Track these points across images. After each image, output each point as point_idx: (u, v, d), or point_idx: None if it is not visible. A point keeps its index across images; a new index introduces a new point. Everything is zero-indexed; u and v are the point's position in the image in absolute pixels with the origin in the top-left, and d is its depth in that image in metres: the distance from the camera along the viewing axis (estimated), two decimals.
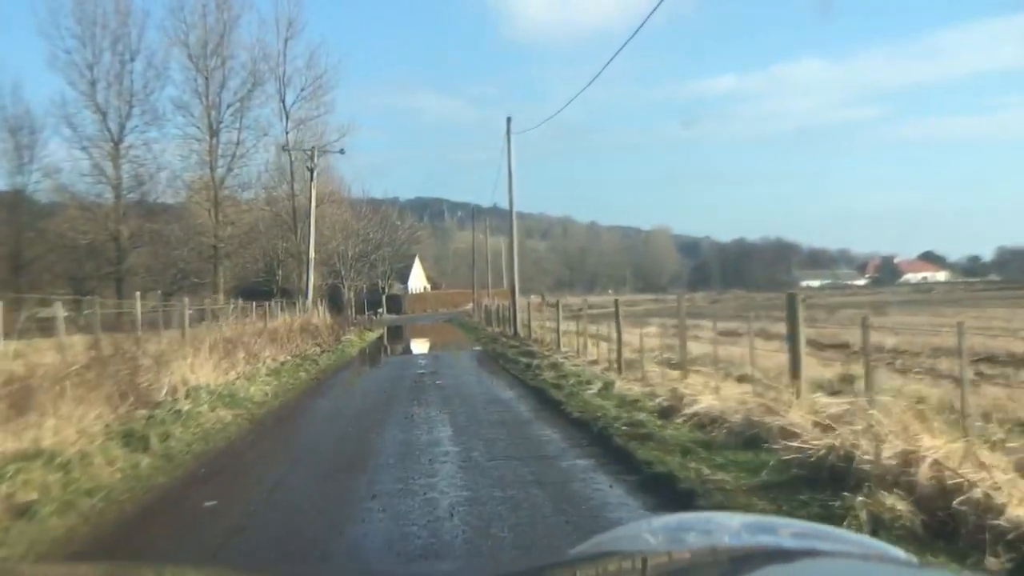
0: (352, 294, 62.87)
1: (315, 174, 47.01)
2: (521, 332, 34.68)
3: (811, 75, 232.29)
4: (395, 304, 77.26)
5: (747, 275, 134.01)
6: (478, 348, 31.41)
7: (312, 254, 47.34)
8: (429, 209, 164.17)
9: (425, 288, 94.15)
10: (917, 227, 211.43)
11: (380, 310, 73.34)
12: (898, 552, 1.90)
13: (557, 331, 25.20)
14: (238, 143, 53.05)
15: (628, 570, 1.83)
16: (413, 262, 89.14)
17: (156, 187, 52.37)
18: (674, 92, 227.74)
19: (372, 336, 42.86)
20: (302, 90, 54.41)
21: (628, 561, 1.86)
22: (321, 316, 48.43)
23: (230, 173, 53.26)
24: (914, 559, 1.99)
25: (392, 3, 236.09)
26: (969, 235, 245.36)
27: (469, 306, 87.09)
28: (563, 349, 24.05)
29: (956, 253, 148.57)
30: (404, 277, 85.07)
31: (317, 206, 55.08)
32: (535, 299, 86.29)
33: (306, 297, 46.60)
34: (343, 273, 59.94)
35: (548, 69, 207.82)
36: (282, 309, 39.86)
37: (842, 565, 1.71)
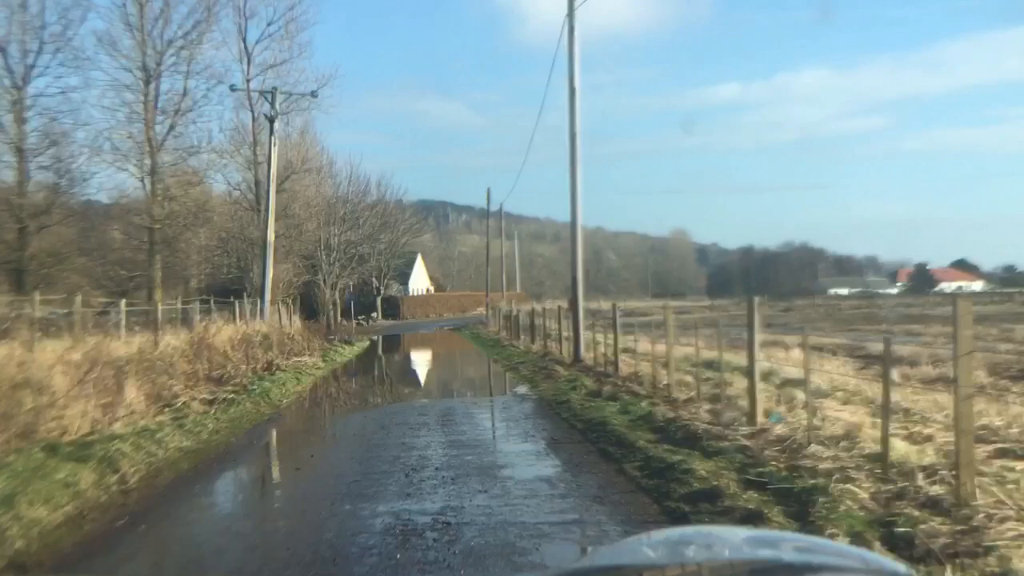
0: (337, 294, 47.76)
1: (275, 127, 31.86)
2: (587, 357, 19.53)
3: (815, 85, 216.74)
4: (392, 307, 62.07)
5: (772, 282, 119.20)
6: (524, 391, 16.11)
7: (271, 236, 32.26)
8: (433, 212, 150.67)
9: (428, 290, 78.77)
10: (926, 236, 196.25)
11: (374, 314, 58.23)
12: (899, 566, 1.78)
13: (752, 373, 9.95)
14: (184, 93, 37.86)
15: None
16: (415, 260, 73.92)
17: (71, 148, 36.98)
18: (678, 101, 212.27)
19: (346, 355, 27.66)
20: (269, 25, 39.43)
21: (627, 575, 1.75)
22: (286, 324, 33.47)
23: (172, 132, 38.07)
24: (914, 573, 1.95)
25: (399, 9, 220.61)
26: (976, 244, 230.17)
27: (479, 311, 71.82)
28: (767, 419, 8.97)
29: (989, 263, 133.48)
30: (404, 277, 69.86)
31: (288, 177, 40.09)
32: (550, 303, 71.06)
33: (262, 299, 31.67)
34: (324, 268, 44.74)
35: (556, 74, 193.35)
36: (207, 312, 25.09)
37: None
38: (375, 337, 42.23)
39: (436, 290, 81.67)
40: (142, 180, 37.94)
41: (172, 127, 38.28)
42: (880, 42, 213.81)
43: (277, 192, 38.98)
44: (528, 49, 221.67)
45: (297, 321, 36.76)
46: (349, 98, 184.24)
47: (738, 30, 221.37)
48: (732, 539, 1.82)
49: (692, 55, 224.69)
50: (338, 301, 48.57)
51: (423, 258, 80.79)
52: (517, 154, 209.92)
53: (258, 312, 31.67)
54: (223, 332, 23.04)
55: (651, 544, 1.78)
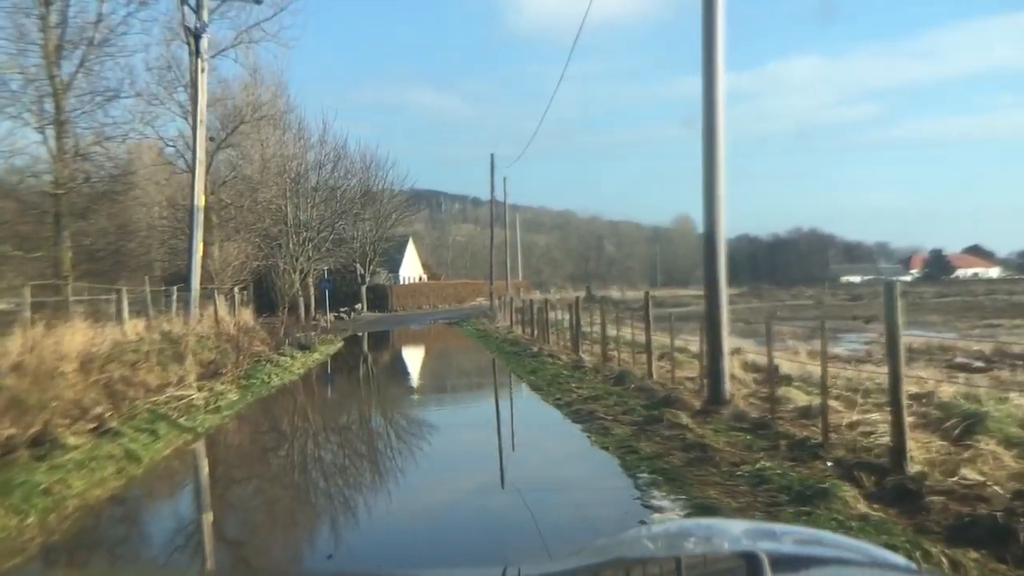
0: (310, 281, 37.48)
1: (204, 44, 21.58)
2: (736, 395, 9.36)
3: (805, 74, 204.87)
4: (379, 297, 51.82)
5: (781, 269, 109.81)
6: (685, 514, 5.74)
7: (200, 200, 22.15)
8: (426, 201, 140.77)
9: (421, 278, 68.36)
10: (929, 223, 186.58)
11: (358, 305, 48.02)
12: (898, 559, 1.71)
13: None
14: (98, 19, 27.58)
15: None
16: (406, 245, 63.56)
17: None
18: (669, 90, 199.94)
19: (294, 372, 17.34)
20: None
21: (627, 568, 1.67)
22: (225, 320, 23.47)
23: (82, 70, 27.84)
24: (913, 566, 1.77)
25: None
26: (986, 230, 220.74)
27: (478, 301, 61.66)
28: None
29: (1003, 248, 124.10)
30: (394, 263, 59.54)
31: (236, 128, 29.73)
32: (555, 294, 60.82)
33: (188, 286, 21.71)
34: (291, 248, 34.38)
35: (550, 65, 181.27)
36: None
37: (842, 573, 1.55)
38: (354, 334, 32.01)
39: (430, 278, 71.35)
40: (42, 132, 27.73)
41: (83, 63, 27.97)
42: (869, 30, 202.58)
43: (223, 148, 28.78)
44: (523, 39, 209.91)
45: (246, 316, 26.60)
46: (337, 89, 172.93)
47: (728, 18, 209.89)
48: (731, 531, 1.73)
49: (683, 44, 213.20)
50: (312, 290, 38.35)
51: (416, 244, 70.46)
52: (511, 144, 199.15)
53: (180, 304, 21.69)
54: (68, 342, 12.91)
55: (651, 536, 1.71)
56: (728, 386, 9.28)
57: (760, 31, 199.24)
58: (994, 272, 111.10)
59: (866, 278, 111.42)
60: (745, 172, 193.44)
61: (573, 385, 12.51)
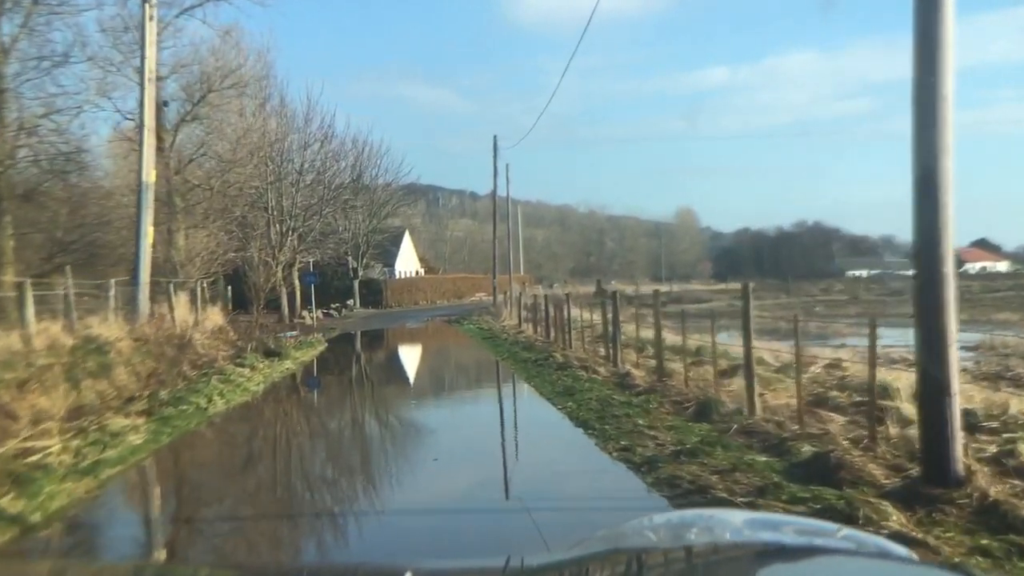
0: (292, 274, 33.27)
1: None
2: (973, 473, 5.08)
3: (803, 68, 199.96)
4: (373, 293, 47.56)
5: (786, 263, 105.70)
6: None
7: (149, 175, 18.04)
8: (424, 196, 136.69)
9: (417, 272, 64.05)
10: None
11: (350, 301, 43.83)
12: (899, 549, 1.63)
13: None
14: None
15: (630, 567, 1.61)
16: (402, 237, 59.28)
17: None
18: (668, 84, 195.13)
19: (239, 395, 13.14)
20: None
21: (630, 558, 1.61)
22: (184, 320, 19.41)
23: (25, 31, 23.80)
24: (915, 556, 1.68)
25: None
26: (991, 223, 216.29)
27: (478, 296, 57.59)
28: None
29: (1010, 242, 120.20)
30: (389, 256, 55.25)
31: (203, 97, 25.51)
32: (562, 289, 56.77)
33: (135, 279, 17.54)
34: (271, 238, 30.10)
35: (549, 59, 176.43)
36: None
37: (843, 563, 1.52)
38: (342, 334, 27.92)
39: (427, 272, 67.08)
40: None
41: (26, 22, 23.94)
42: (866, 24, 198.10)
43: (188, 121, 24.62)
44: (521, 33, 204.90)
45: (214, 314, 22.46)
46: (331, 84, 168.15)
47: (727, 13, 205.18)
48: (733, 522, 1.67)
49: (683, 38, 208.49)
50: (297, 285, 34.18)
51: (412, 237, 66.18)
52: (509, 139, 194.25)
53: (134, 302, 17.52)
54: None
55: (653, 527, 1.66)
56: (961, 454, 5.14)
57: (758, 26, 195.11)
58: (1002, 266, 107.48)
59: (873, 272, 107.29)
60: (747, 166, 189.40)
61: (640, 421, 8.30)
